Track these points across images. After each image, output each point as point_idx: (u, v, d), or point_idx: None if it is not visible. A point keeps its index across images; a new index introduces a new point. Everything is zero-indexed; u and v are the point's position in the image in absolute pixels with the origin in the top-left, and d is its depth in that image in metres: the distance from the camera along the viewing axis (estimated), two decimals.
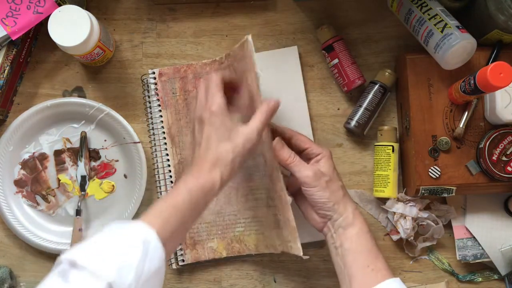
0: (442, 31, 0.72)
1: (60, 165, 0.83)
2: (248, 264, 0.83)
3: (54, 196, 0.83)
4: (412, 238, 0.79)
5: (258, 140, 0.64)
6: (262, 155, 0.75)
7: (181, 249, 0.81)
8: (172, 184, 0.81)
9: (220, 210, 0.81)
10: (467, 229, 0.81)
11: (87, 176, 0.83)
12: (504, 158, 0.73)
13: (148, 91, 0.83)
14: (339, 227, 0.68)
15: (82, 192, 0.83)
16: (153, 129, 0.82)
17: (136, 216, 0.81)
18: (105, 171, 0.83)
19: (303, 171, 0.69)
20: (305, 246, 0.81)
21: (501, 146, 0.73)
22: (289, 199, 0.70)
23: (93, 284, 0.50)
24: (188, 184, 0.60)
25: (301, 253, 0.70)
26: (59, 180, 0.83)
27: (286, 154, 0.69)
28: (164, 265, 0.56)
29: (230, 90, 0.70)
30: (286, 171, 0.73)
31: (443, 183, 0.75)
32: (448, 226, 0.82)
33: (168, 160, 0.82)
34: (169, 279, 0.83)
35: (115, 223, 0.57)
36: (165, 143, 0.82)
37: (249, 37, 0.68)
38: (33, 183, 0.83)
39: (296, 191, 0.73)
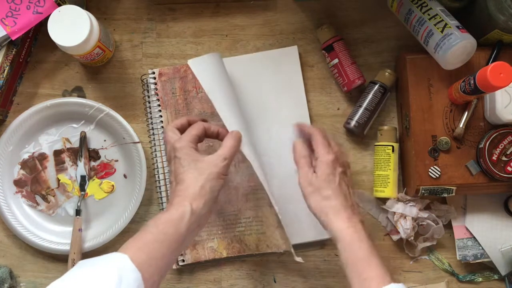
0: (442, 31, 0.72)
1: (59, 165, 0.83)
2: (248, 264, 0.83)
3: (53, 196, 0.83)
4: (412, 238, 0.79)
5: (226, 166, 0.66)
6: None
7: None
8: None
9: (220, 210, 0.81)
10: (467, 229, 0.81)
11: (86, 176, 0.83)
12: (504, 158, 0.73)
13: (148, 91, 0.83)
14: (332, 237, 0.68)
15: (82, 192, 0.83)
16: (153, 129, 0.82)
17: (136, 215, 0.81)
18: (105, 171, 0.83)
19: (300, 174, 0.70)
20: (305, 246, 0.81)
21: (501, 146, 0.73)
22: (276, 208, 0.72)
23: None
24: (157, 219, 0.62)
25: (294, 256, 0.72)
26: (58, 180, 0.83)
27: (300, 153, 0.71)
28: (141, 285, 0.56)
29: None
30: None
31: (443, 183, 0.75)
32: (448, 226, 0.81)
33: None
34: (169, 279, 0.83)
35: (87, 260, 0.58)
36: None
37: (189, 62, 0.72)
38: (32, 183, 0.83)
39: None
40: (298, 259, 0.72)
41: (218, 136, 0.71)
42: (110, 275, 0.54)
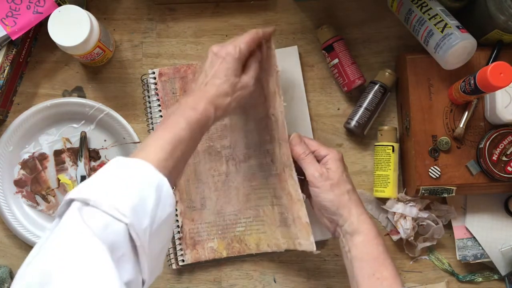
0: (442, 31, 0.72)
1: (60, 165, 0.83)
2: (248, 264, 0.83)
3: (54, 196, 0.83)
4: (412, 238, 0.79)
5: (252, 88, 0.67)
6: (269, 155, 0.76)
7: (181, 249, 0.81)
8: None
9: (220, 210, 0.81)
10: (467, 229, 0.81)
11: (87, 176, 0.83)
12: (504, 158, 0.73)
13: (148, 91, 0.83)
14: (346, 232, 0.67)
15: None
16: (153, 129, 0.82)
17: None
18: None
19: (311, 170, 0.69)
20: None
21: (501, 146, 0.73)
22: (302, 196, 0.71)
23: (113, 225, 0.48)
24: (188, 117, 0.60)
25: (314, 248, 0.71)
26: (59, 180, 0.83)
27: (301, 149, 0.71)
28: (174, 211, 0.55)
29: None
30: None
31: (443, 183, 0.75)
32: (448, 226, 0.81)
33: None
34: (169, 279, 0.83)
35: (120, 160, 0.54)
36: None
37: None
38: (33, 183, 0.83)
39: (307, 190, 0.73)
40: (317, 252, 0.72)
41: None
42: (150, 195, 0.52)
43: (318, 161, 0.71)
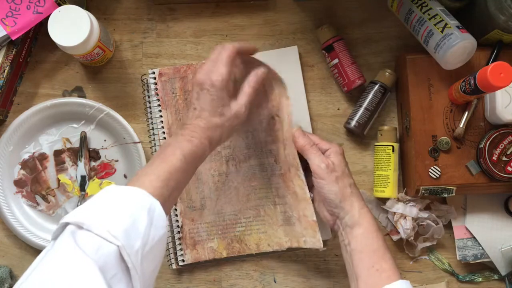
0: (442, 31, 0.72)
1: (60, 165, 0.83)
2: (248, 264, 0.83)
3: (54, 196, 0.83)
4: (412, 238, 0.79)
5: (246, 115, 0.67)
6: (272, 155, 0.76)
7: (181, 249, 0.81)
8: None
9: (220, 210, 0.81)
10: (467, 229, 0.81)
11: (87, 176, 0.83)
12: (504, 158, 0.73)
13: (148, 91, 0.83)
14: (346, 225, 0.68)
15: (82, 192, 0.83)
16: (153, 129, 0.82)
17: None
18: (105, 171, 0.83)
19: (317, 160, 0.69)
20: None
21: (501, 146, 0.73)
22: (310, 195, 0.71)
23: (105, 247, 0.50)
24: (184, 149, 0.62)
25: (321, 245, 0.72)
26: (59, 180, 0.83)
27: (305, 141, 0.71)
28: (166, 232, 0.57)
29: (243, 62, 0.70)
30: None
31: (443, 183, 0.75)
32: (448, 226, 0.82)
33: None
34: (169, 279, 0.83)
35: (115, 187, 0.56)
36: None
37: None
38: (33, 183, 0.83)
39: (310, 188, 0.74)
40: (324, 248, 0.73)
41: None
42: (142, 217, 0.54)
43: None
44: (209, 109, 0.64)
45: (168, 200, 0.58)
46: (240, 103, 0.66)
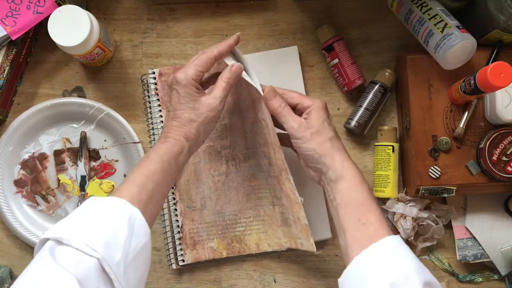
0: (442, 31, 0.72)
1: (60, 165, 0.83)
2: (248, 264, 0.83)
3: (54, 196, 0.83)
4: (412, 238, 0.79)
5: (222, 108, 0.67)
6: (265, 157, 0.76)
7: (181, 249, 0.81)
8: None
9: (220, 210, 0.81)
10: (467, 229, 0.81)
11: (87, 176, 0.83)
12: (504, 158, 0.73)
13: (148, 91, 0.83)
14: (330, 180, 0.66)
15: (82, 192, 0.83)
16: (153, 129, 0.82)
17: None
18: (105, 171, 0.83)
19: (289, 122, 0.68)
20: None
21: (501, 146, 0.73)
22: (300, 199, 0.71)
23: (85, 260, 0.51)
24: (159, 150, 0.63)
25: (314, 249, 0.72)
26: (59, 180, 0.83)
27: (276, 103, 0.69)
28: (149, 241, 0.57)
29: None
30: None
31: (443, 183, 0.75)
32: (448, 226, 0.81)
33: None
34: (169, 279, 0.83)
35: (94, 199, 0.58)
36: None
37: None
38: (33, 183, 0.83)
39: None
40: (318, 252, 0.73)
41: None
42: (122, 227, 0.55)
43: (302, 113, 0.70)
44: (180, 107, 0.66)
45: (149, 204, 0.59)
46: (212, 96, 0.66)
